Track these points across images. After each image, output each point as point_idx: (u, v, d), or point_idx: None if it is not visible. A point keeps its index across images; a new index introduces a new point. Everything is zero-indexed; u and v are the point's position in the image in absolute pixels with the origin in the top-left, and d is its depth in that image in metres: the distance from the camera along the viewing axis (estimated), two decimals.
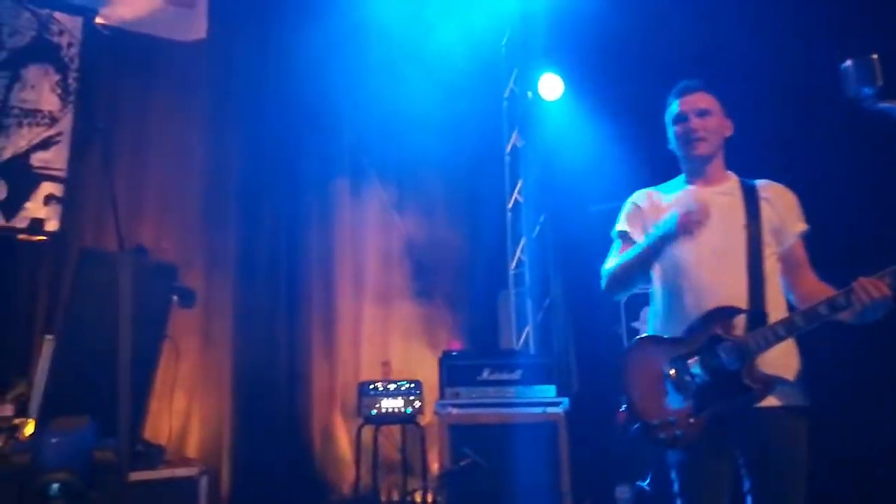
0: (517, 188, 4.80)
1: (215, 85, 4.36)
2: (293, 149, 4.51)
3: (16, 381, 3.14)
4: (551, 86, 4.65)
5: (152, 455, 3.32)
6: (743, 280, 1.99)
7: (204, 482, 3.21)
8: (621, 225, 2.24)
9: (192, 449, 3.92)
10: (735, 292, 1.98)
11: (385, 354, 4.54)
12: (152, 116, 4.18)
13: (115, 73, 4.05)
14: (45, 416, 2.90)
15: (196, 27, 4.29)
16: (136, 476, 3.00)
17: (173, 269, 3.79)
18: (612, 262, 2.20)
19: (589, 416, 3.80)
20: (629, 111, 4.10)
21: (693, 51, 3.72)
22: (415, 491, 4.16)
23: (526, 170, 4.80)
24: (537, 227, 4.71)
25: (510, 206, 4.82)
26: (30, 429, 2.90)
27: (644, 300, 2.39)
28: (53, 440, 2.45)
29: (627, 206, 2.26)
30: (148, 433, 3.57)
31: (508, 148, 4.89)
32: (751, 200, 2.07)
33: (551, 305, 4.54)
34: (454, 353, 3.96)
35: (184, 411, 3.96)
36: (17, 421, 2.97)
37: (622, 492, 3.54)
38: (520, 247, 4.74)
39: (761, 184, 2.14)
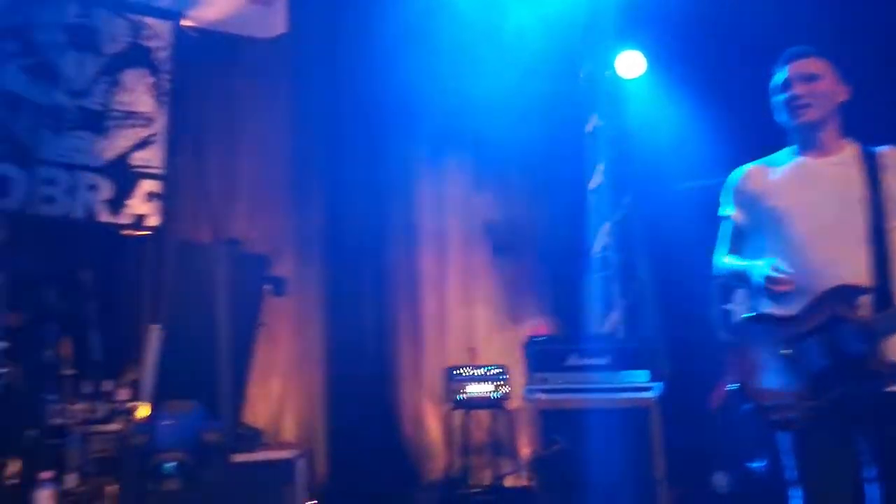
0: (599, 169, 4.69)
1: (296, 77, 4.46)
2: (372, 133, 4.57)
3: (128, 368, 3.34)
4: (631, 64, 4.51)
5: (252, 438, 3.47)
6: (863, 257, 1.85)
7: (301, 464, 3.32)
8: (727, 209, 2.14)
9: (288, 433, 4.05)
10: (855, 270, 1.84)
11: (470, 339, 4.55)
12: (239, 112, 4.32)
13: (203, 71, 4.20)
14: (157, 400, 3.07)
15: (276, 23, 4.40)
16: (237, 458, 3.15)
17: (265, 260, 3.93)
18: (722, 259, 2.14)
19: (681, 401, 3.69)
20: (712, 87, 3.93)
21: (778, 22, 3.52)
22: (506, 475, 4.17)
23: (607, 150, 4.67)
24: (621, 209, 4.59)
25: (593, 187, 4.71)
26: (143, 411, 3.08)
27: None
28: (167, 422, 2.59)
29: (731, 187, 2.14)
30: (246, 417, 3.72)
31: (589, 128, 4.78)
32: (871, 170, 1.91)
33: (638, 289, 4.42)
34: (541, 339, 3.93)
35: (279, 396, 4.10)
36: (130, 405, 3.16)
37: (719, 479, 3.42)
38: (604, 229, 4.63)
39: (883, 150, 1.96)
